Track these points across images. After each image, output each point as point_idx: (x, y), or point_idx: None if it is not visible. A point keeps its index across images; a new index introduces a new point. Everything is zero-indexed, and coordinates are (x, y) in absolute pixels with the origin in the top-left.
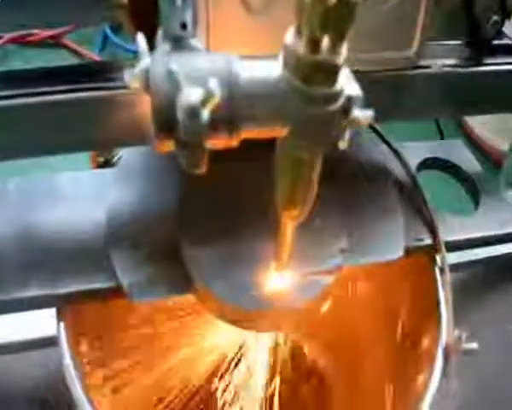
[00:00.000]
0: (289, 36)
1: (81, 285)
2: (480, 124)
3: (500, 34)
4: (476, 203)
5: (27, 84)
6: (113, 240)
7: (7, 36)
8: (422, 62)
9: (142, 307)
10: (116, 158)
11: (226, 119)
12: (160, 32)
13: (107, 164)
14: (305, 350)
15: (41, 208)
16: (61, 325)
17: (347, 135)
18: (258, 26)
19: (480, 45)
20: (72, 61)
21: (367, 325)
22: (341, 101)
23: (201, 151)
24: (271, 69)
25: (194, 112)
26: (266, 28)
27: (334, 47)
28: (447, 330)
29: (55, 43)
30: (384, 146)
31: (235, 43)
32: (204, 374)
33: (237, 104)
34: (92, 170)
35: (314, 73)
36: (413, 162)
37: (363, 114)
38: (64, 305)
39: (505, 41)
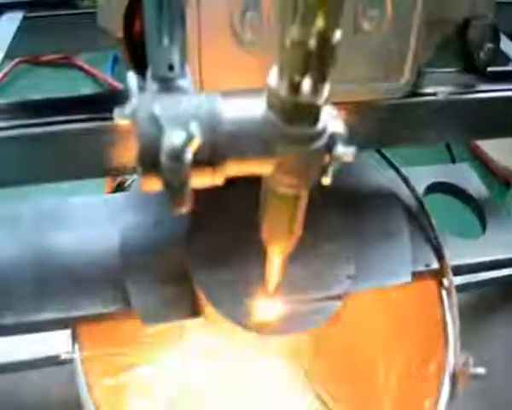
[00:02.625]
0: (272, 76)
1: (95, 309)
2: (489, 145)
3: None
4: (483, 227)
5: (43, 113)
6: (127, 264)
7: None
8: (425, 90)
9: None
10: (128, 182)
11: (209, 159)
12: (148, 72)
13: (119, 188)
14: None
15: (55, 232)
16: (76, 346)
17: (331, 171)
18: (249, 58)
19: (476, 72)
20: (83, 81)
21: (374, 349)
22: (324, 138)
23: (185, 191)
24: (255, 109)
25: (176, 155)
26: (257, 61)
27: (316, 88)
28: (454, 353)
29: (66, 63)
30: (391, 171)
31: (226, 76)
32: None
33: (220, 145)
34: (105, 195)
35: (296, 113)
36: (420, 186)
37: (345, 151)
38: (78, 326)
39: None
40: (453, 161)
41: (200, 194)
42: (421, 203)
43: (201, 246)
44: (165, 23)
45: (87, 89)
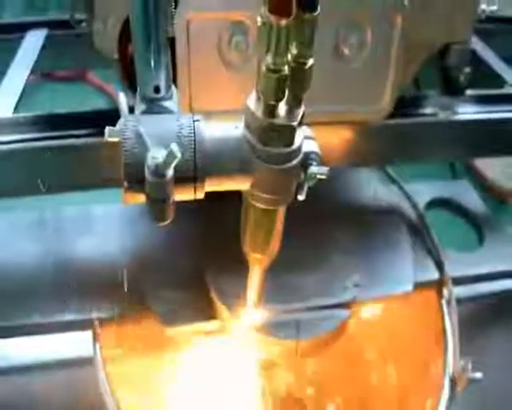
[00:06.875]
0: (251, 100)
1: (115, 311)
2: (486, 163)
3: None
4: (481, 241)
5: (59, 127)
6: (144, 269)
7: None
8: (425, 111)
9: None
10: None
11: (191, 176)
12: (137, 93)
13: None
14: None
15: (77, 238)
16: (97, 346)
17: (305, 188)
18: (236, 81)
19: (455, 94)
20: (95, 96)
21: (377, 354)
22: (299, 158)
23: (166, 205)
24: (234, 129)
25: (158, 171)
26: (244, 83)
27: (290, 112)
28: (453, 359)
29: (79, 78)
30: (395, 187)
31: (215, 98)
32: None
33: (200, 162)
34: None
35: (271, 134)
36: (422, 202)
37: (319, 170)
38: (99, 328)
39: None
40: (454, 173)
41: (214, 205)
42: (422, 218)
43: (216, 252)
44: (151, 48)
45: (98, 103)
